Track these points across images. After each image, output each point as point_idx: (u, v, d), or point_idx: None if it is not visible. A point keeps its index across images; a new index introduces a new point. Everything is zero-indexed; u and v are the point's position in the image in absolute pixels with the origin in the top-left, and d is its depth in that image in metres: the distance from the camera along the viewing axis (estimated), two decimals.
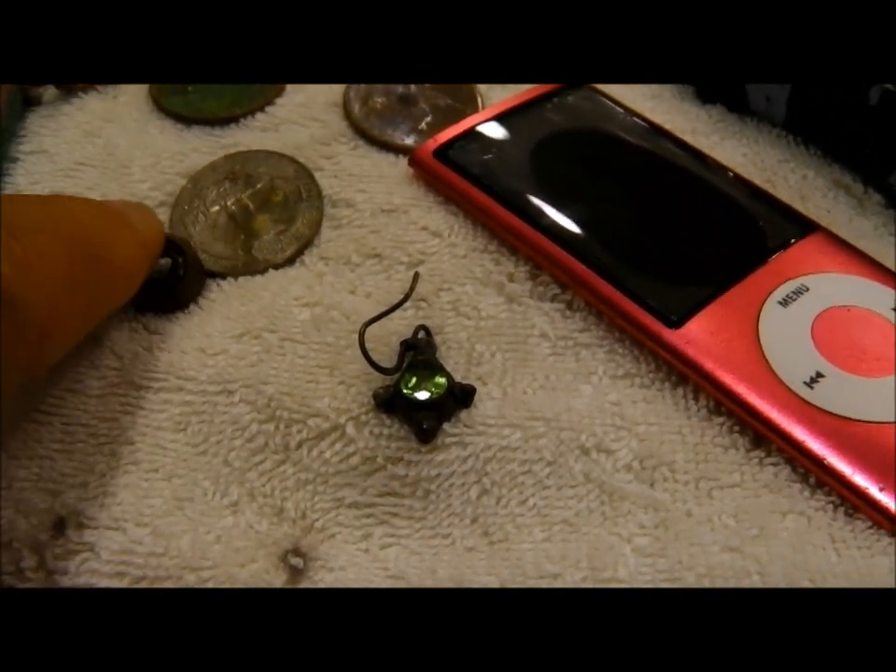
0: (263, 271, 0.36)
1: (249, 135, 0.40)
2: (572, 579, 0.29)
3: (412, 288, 0.34)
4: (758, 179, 0.38)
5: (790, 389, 0.31)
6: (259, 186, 0.38)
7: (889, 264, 0.35)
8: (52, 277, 0.28)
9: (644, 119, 0.40)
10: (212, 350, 0.33)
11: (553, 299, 0.35)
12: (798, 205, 0.37)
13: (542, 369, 0.33)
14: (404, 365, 0.32)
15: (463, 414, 0.32)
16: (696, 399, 0.32)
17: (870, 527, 0.29)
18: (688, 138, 0.39)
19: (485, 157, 0.38)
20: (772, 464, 0.31)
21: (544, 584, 0.29)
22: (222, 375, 0.33)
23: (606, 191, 0.37)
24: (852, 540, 0.29)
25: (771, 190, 0.37)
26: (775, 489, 0.30)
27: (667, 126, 0.40)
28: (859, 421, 0.30)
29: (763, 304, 0.33)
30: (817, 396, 0.31)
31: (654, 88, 0.42)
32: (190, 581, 0.29)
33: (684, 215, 0.36)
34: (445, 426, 0.31)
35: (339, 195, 0.38)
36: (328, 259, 0.36)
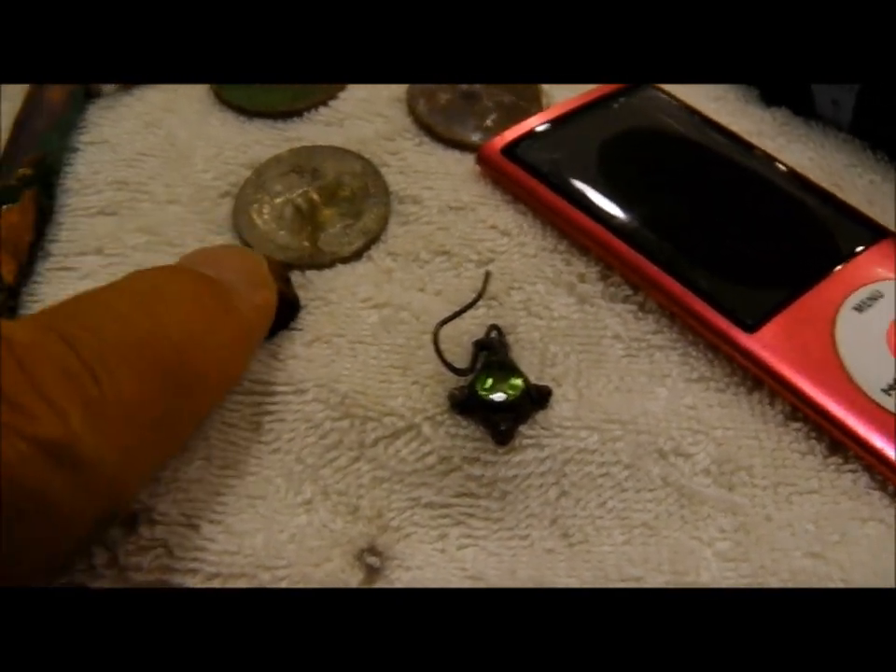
0: (330, 264, 0.36)
1: (312, 129, 0.40)
2: (654, 582, 0.29)
3: (483, 288, 0.34)
4: (825, 183, 0.38)
5: (867, 396, 0.31)
6: (325, 180, 0.38)
7: None
8: (133, 421, 0.24)
9: (711, 120, 0.40)
10: (282, 356, 0.33)
11: (625, 300, 0.35)
12: (866, 210, 0.37)
13: (616, 371, 0.33)
14: (478, 366, 0.32)
15: (539, 416, 0.32)
16: (772, 404, 0.32)
17: None
18: (753, 141, 0.39)
19: (554, 155, 0.38)
20: (850, 471, 0.31)
21: (627, 587, 0.29)
22: (293, 376, 0.33)
23: (676, 192, 0.37)
24: None
25: (838, 195, 0.37)
26: (854, 496, 0.30)
27: (732, 129, 0.40)
28: None
29: (838, 310, 0.33)
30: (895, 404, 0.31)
31: (718, 90, 0.42)
32: (265, 579, 0.28)
33: (756, 217, 0.36)
34: (521, 427, 0.31)
35: (405, 191, 0.38)
36: (395, 254, 0.36)
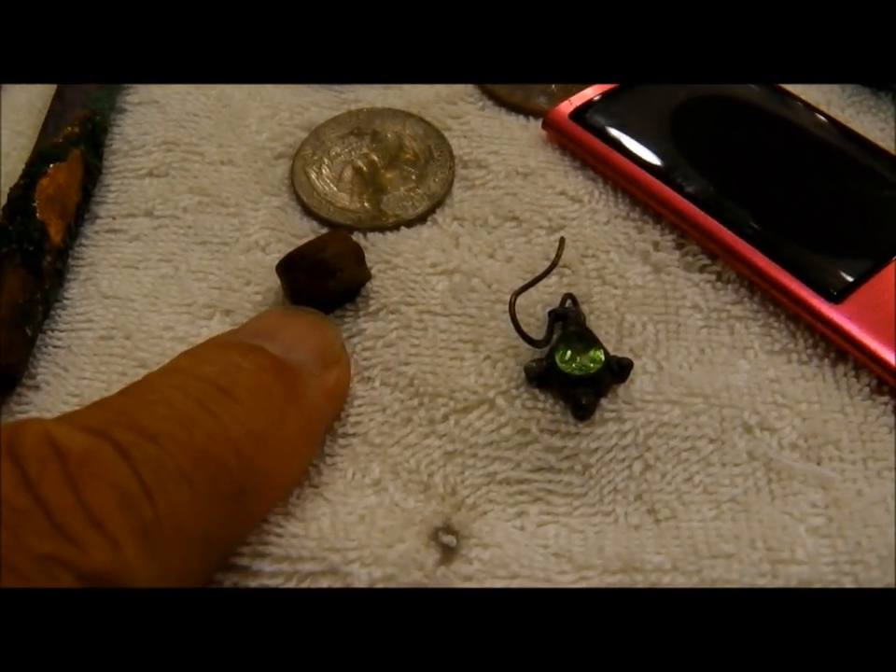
0: (394, 227, 0.35)
1: (371, 92, 0.39)
2: (749, 559, 0.27)
3: (558, 255, 0.32)
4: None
5: None
6: (386, 143, 0.37)
7: None
8: (186, 537, 0.23)
9: (783, 88, 0.39)
10: (346, 332, 0.32)
11: (703, 269, 0.33)
12: None
13: (696, 342, 0.32)
14: (554, 336, 0.31)
15: (620, 389, 0.30)
16: (857, 377, 0.31)
17: None
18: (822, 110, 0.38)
19: (624, 121, 0.36)
20: None
21: (719, 564, 0.27)
22: (358, 362, 0.31)
23: (753, 159, 0.36)
24: None
25: None
26: None
27: (802, 97, 0.39)
28: None
29: None
30: None
31: None
32: (335, 561, 0.27)
33: (837, 186, 0.35)
34: (602, 400, 0.30)
35: (469, 156, 0.37)
36: (462, 219, 0.35)
